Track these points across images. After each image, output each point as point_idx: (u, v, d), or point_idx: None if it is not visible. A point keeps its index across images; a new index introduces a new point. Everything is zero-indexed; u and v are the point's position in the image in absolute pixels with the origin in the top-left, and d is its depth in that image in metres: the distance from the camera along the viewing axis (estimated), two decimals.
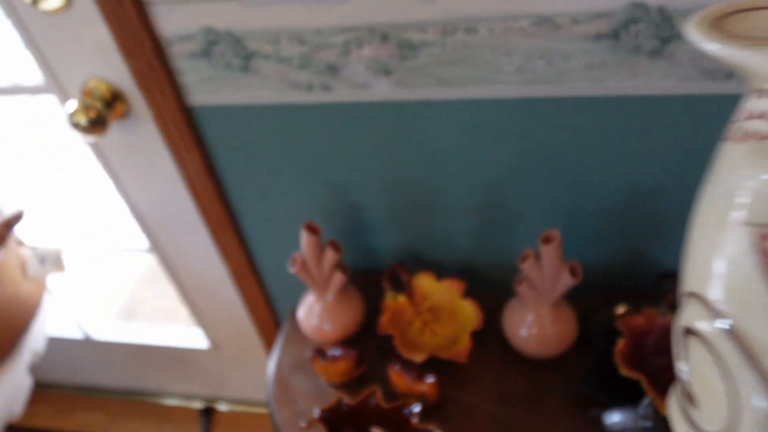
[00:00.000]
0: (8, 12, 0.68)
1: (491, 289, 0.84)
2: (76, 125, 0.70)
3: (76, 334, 1.32)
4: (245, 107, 0.71)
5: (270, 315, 1.05)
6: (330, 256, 0.71)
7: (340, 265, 0.73)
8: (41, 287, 0.95)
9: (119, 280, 1.86)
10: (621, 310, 0.72)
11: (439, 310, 0.78)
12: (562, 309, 0.69)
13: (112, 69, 0.71)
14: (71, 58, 0.71)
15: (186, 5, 0.62)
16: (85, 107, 0.69)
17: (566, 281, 0.63)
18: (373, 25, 0.60)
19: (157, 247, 1.01)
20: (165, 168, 0.83)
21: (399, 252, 0.87)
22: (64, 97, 0.76)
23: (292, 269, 0.72)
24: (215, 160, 0.80)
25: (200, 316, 1.16)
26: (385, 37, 0.60)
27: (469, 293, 0.76)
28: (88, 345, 1.35)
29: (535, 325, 0.68)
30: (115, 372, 1.43)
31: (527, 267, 0.64)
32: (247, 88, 0.69)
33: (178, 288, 1.09)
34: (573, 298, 0.70)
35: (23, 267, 0.90)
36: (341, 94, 0.67)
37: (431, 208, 0.78)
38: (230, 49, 0.65)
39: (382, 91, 0.65)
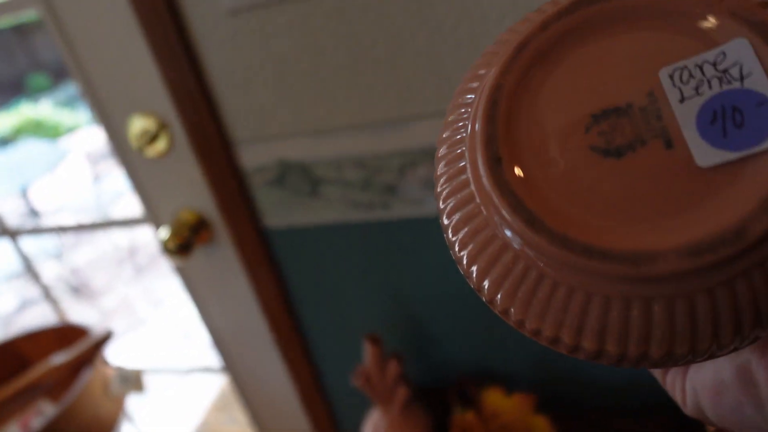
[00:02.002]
0: (121, 159, 0.81)
1: (567, 400, 0.79)
2: (166, 250, 0.79)
3: None
4: (313, 227, 0.78)
5: None
6: (393, 367, 0.71)
7: (403, 378, 0.73)
8: (119, 407, 0.99)
9: (191, 404, 1.88)
10: None
11: (512, 428, 0.74)
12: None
13: (200, 199, 0.81)
14: (167, 192, 0.83)
15: (264, 143, 0.72)
16: (175, 234, 0.79)
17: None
18: (426, 148, 0.66)
19: (229, 366, 1.04)
20: (240, 287, 0.89)
21: (467, 365, 0.85)
22: (158, 227, 0.87)
23: (355, 381, 0.72)
24: (286, 277, 0.85)
25: None
26: None
27: (544, 407, 0.72)
28: None
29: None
30: None
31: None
32: (315, 209, 0.76)
33: (248, 408, 1.10)
34: None
35: (105, 386, 0.95)
36: (399, 210, 0.72)
37: (496, 317, 0.78)
38: (300, 176, 0.73)
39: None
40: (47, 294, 1.15)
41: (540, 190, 0.17)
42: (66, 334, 1.07)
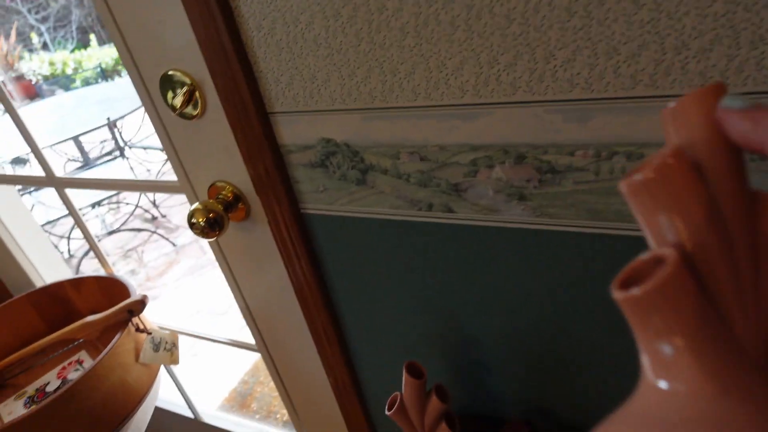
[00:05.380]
0: (154, 118, 0.71)
1: None
2: (194, 226, 0.69)
3: (186, 413, 1.33)
4: (359, 220, 0.65)
5: None
6: (435, 405, 0.59)
7: (447, 417, 0.61)
8: (152, 374, 0.95)
9: (231, 368, 1.89)
10: None
11: None
12: None
13: (236, 172, 0.71)
14: (202, 160, 0.73)
15: (306, 116, 0.59)
16: (206, 210, 0.69)
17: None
18: (506, 145, 0.50)
19: (263, 345, 0.97)
20: (276, 272, 0.79)
21: (526, 402, 0.71)
22: (193, 195, 0.78)
23: (389, 412, 0.61)
24: (325, 269, 0.74)
25: (301, 422, 1.08)
26: (521, 158, 0.51)
27: None
28: (196, 425, 1.34)
29: None
30: None
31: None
32: (362, 201, 0.63)
33: (280, 389, 1.03)
34: None
35: (137, 352, 0.91)
36: (465, 216, 0.57)
37: (574, 362, 0.63)
38: (347, 161, 0.60)
39: (514, 217, 0.54)
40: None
41: None
42: (107, 285, 1.05)
